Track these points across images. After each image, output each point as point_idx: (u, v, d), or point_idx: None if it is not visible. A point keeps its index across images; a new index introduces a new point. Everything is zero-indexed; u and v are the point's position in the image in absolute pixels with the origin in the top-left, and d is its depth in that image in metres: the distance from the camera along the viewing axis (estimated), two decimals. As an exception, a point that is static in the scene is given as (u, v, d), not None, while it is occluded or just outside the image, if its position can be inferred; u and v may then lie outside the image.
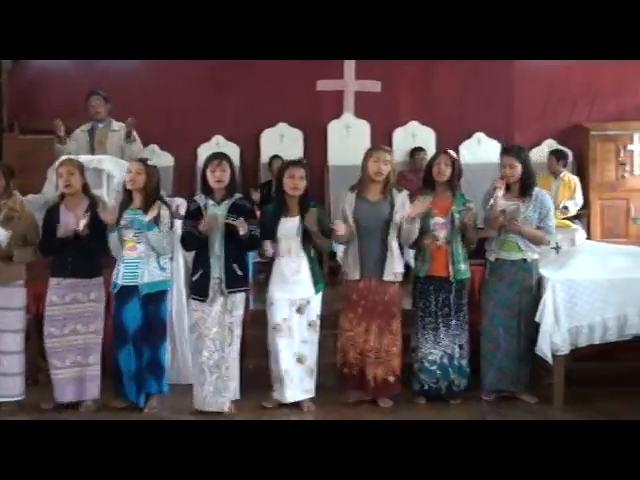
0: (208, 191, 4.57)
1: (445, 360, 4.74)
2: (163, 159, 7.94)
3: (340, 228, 4.54)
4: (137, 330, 4.55)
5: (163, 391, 4.66)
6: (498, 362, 4.74)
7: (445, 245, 4.72)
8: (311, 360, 4.65)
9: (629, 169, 8.10)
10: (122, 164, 5.52)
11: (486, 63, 7.07)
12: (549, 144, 8.13)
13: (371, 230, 4.64)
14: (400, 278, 4.72)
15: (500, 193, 4.68)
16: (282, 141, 8.31)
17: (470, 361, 4.80)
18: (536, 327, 4.67)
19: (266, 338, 4.67)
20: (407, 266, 5.06)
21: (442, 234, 4.72)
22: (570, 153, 7.80)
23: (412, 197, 4.74)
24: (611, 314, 4.68)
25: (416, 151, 7.93)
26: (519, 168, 4.74)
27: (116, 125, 6.29)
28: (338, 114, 8.41)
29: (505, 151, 4.88)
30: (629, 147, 8.11)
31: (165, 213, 4.62)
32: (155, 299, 4.59)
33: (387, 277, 4.64)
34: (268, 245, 4.52)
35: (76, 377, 4.64)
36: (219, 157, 4.57)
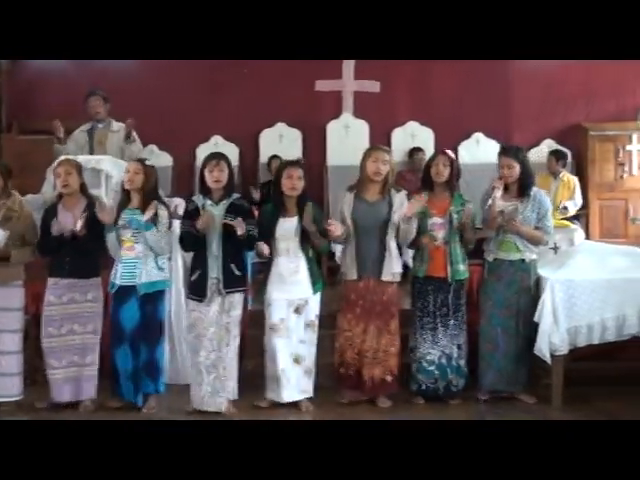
0: (206, 191, 4.57)
1: (443, 360, 4.74)
2: (162, 159, 7.95)
3: (335, 228, 4.54)
4: (134, 330, 4.55)
5: (159, 391, 4.65)
6: (496, 362, 4.73)
7: (443, 245, 4.72)
8: (309, 360, 4.65)
9: (628, 169, 8.11)
10: (121, 164, 5.52)
11: (484, 63, 7.06)
12: (548, 144, 8.14)
13: (369, 230, 4.64)
14: (398, 278, 4.72)
15: (498, 193, 4.68)
16: (281, 141, 8.31)
17: (468, 361, 4.80)
18: (534, 327, 4.68)
19: (265, 338, 4.67)
20: (406, 266, 5.07)
21: (440, 234, 4.72)
22: (569, 153, 7.80)
23: (410, 197, 4.74)
24: (610, 314, 4.68)
25: (415, 151, 7.94)
26: (517, 168, 4.74)
27: (116, 126, 6.27)
28: (337, 114, 8.42)
29: (503, 151, 4.87)
30: (628, 147, 8.12)
31: (163, 213, 4.62)
32: (153, 299, 4.59)
33: (385, 277, 4.64)
34: (262, 247, 4.51)
35: (73, 377, 4.63)
36: (217, 157, 4.57)
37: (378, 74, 8.22)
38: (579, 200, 7.38)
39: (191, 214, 4.54)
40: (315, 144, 8.31)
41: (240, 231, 4.37)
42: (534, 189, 4.82)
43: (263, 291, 4.66)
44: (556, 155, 7.45)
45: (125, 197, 4.68)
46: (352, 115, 8.40)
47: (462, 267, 4.75)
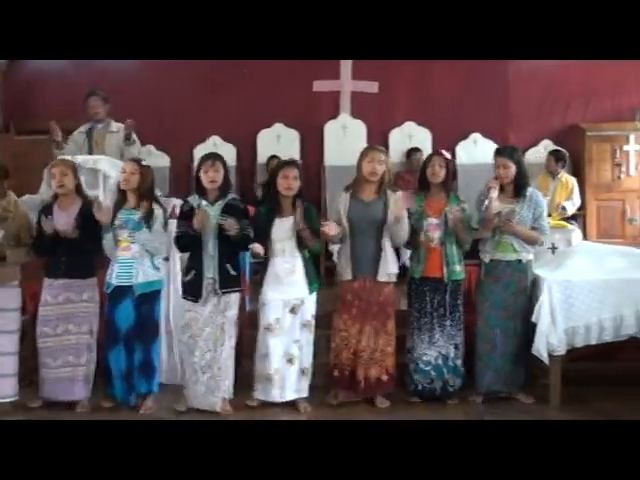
0: (202, 192, 4.58)
1: (440, 361, 4.73)
2: (159, 160, 7.95)
3: (330, 228, 4.54)
4: (129, 330, 4.55)
5: (153, 391, 4.65)
6: (494, 363, 4.73)
7: (439, 246, 4.72)
8: (306, 360, 4.65)
9: (625, 170, 8.11)
10: (118, 164, 5.50)
11: (482, 63, 7.07)
12: (545, 145, 8.14)
13: (365, 230, 4.64)
14: (394, 279, 4.72)
15: (494, 194, 4.67)
16: (279, 141, 8.30)
17: (465, 361, 4.80)
18: (532, 327, 4.68)
19: (262, 339, 4.67)
20: (404, 267, 5.07)
21: (436, 235, 4.71)
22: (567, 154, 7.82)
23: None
24: (607, 314, 4.69)
25: (412, 152, 7.94)
26: (513, 169, 4.74)
27: (115, 126, 6.24)
28: (335, 115, 8.41)
29: (498, 152, 4.87)
30: (625, 148, 8.12)
31: (159, 213, 4.62)
32: (149, 299, 4.59)
33: (381, 278, 4.64)
34: (257, 247, 4.51)
35: (68, 377, 4.63)
36: (212, 157, 4.58)
37: (376, 74, 8.21)
38: (577, 200, 7.38)
39: (186, 214, 4.54)
40: (313, 144, 8.30)
41: (231, 232, 4.37)
42: (529, 189, 4.81)
43: (259, 291, 4.66)
44: (555, 155, 7.45)
45: (121, 197, 4.68)
46: (350, 115, 8.39)
47: (458, 268, 4.75)
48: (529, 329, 4.71)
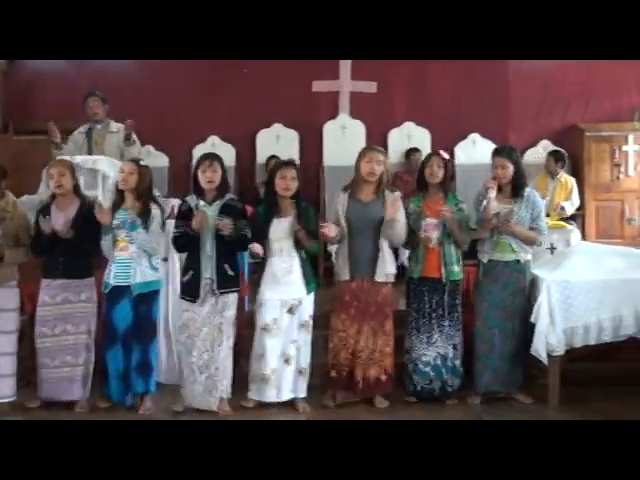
0: (200, 192, 4.58)
1: (439, 361, 4.73)
2: (158, 160, 7.95)
3: (329, 230, 4.54)
4: (127, 330, 4.55)
5: (150, 391, 4.64)
6: (493, 363, 4.73)
7: (438, 246, 4.72)
8: (304, 361, 4.65)
9: (624, 170, 8.10)
10: (117, 165, 5.49)
11: (481, 63, 7.08)
12: (544, 145, 8.14)
13: (363, 230, 4.63)
14: (392, 279, 4.71)
15: (493, 194, 4.67)
16: (278, 142, 8.30)
17: (463, 361, 4.80)
18: (530, 327, 4.68)
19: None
20: (402, 267, 5.07)
21: (434, 235, 4.71)
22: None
23: (405, 198, 4.75)
24: (606, 315, 4.68)
25: (411, 152, 7.94)
26: (511, 169, 4.74)
27: (114, 127, 6.25)
28: (334, 115, 8.41)
29: (496, 152, 4.87)
30: (624, 148, 8.11)
31: (157, 213, 4.62)
32: (147, 299, 4.59)
33: (379, 278, 4.63)
34: (256, 247, 4.51)
35: (66, 377, 4.62)
36: (210, 158, 4.58)
37: (375, 75, 8.22)
38: (576, 201, 7.39)
39: (184, 215, 4.55)
40: (312, 145, 8.30)
41: (224, 232, 4.37)
42: (527, 189, 4.81)
43: (256, 291, 4.66)
44: (555, 156, 7.46)
45: (119, 197, 4.68)
46: (349, 116, 8.39)
47: (456, 268, 4.75)
48: (528, 329, 4.71)
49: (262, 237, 4.55)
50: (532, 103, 8.28)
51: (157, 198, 4.87)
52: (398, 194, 4.70)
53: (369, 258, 4.63)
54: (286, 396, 4.62)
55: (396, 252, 4.96)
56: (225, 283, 4.49)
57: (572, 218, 7.34)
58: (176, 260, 5.16)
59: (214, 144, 8.18)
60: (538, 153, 7.99)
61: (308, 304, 4.65)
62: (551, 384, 4.71)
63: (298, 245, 4.58)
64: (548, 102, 8.29)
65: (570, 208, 7.27)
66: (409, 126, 8.30)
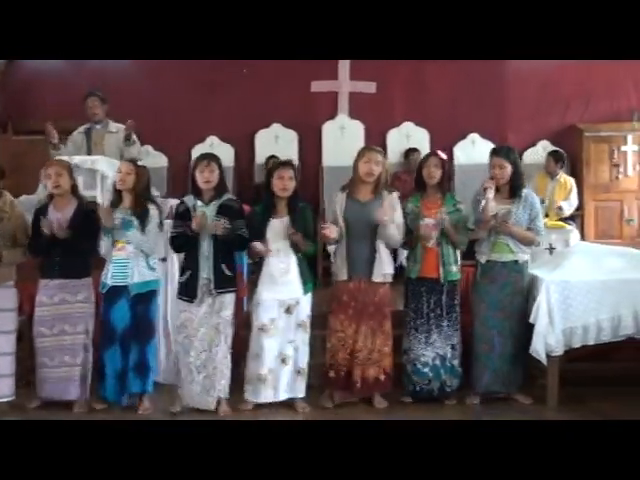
0: (197, 192, 4.58)
1: (437, 361, 4.73)
2: (157, 160, 7.96)
3: (331, 231, 4.54)
4: (125, 330, 4.55)
5: (147, 391, 4.64)
6: (492, 363, 4.72)
7: (436, 247, 4.71)
8: (302, 361, 4.65)
9: (623, 170, 8.10)
10: (116, 165, 5.49)
11: (480, 63, 7.07)
12: (543, 145, 8.14)
13: (361, 230, 4.63)
14: (390, 279, 4.71)
15: (491, 194, 4.65)
16: (277, 142, 8.30)
17: (462, 362, 4.80)
18: (529, 328, 4.68)
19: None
20: (401, 267, 5.06)
21: (433, 234, 4.71)
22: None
23: (403, 199, 4.75)
24: (605, 315, 4.68)
25: (410, 152, 7.94)
26: (509, 169, 4.73)
27: (114, 127, 6.24)
28: (333, 115, 8.41)
29: (494, 152, 4.86)
30: (623, 148, 8.11)
31: (154, 213, 4.62)
32: (145, 299, 4.59)
33: (376, 278, 4.63)
34: (258, 245, 4.50)
35: (65, 377, 4.62)
36: (207, 158, 4.58)
37: (374, 75, 8.22)
38: (574, 201, 7.39)
39: (182, 215, 4.55)
40: (311, 145, 8.30)
41: (218, 231, 4.37)
42: (525, 190, 4.81)
43: (254, 291, 4.66)
44: (555, 156, 7.46)
45: (117, 197, 4.68)
46: (348, 116, 8.39)
47: (454, 268, 4.74)
48: (526, 330, 4.70)
49: (259, 237, 4.55)
50: (531, 103, 8.28)
51: (155, 198, 4.86)
52: (395, 195, 4.70)
53: (367, 258, 4.63)
54: (283, 396, 4.63)
55: (395, 252, 4.95)
56: (222, 283, 4.49)
57: (571, 218, 7.34)
58: (175, 260, 5.16)
59: (213, 144, 8.19)
60: (537, 153, 7.99)
61: (305, 304, 4.65)
62: (550, 384, 4.70)
63: (294, 247, 4.59)
64: (547, 102, 8.29)
65: (568, 208, 7.27)
66: (408, 126, 8.30)
